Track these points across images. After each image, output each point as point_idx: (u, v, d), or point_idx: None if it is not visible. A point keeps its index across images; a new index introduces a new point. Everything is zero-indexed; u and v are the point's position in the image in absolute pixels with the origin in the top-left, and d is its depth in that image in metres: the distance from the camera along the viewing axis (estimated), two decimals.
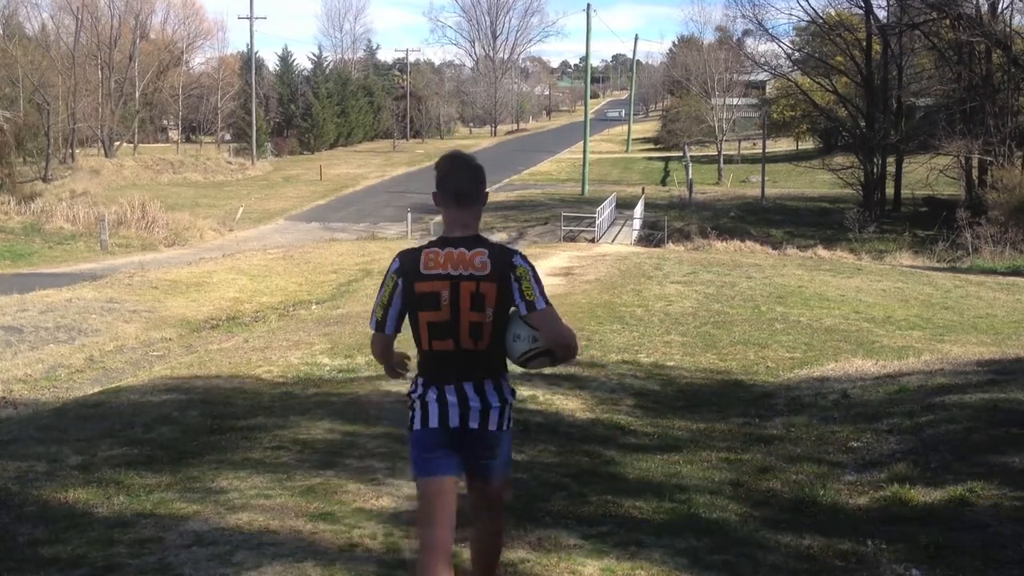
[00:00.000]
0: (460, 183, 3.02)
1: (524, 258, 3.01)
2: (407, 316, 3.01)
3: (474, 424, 2.96)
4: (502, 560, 3.52)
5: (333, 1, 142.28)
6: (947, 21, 33.76)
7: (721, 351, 8.93)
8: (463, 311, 2.91)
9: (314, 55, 75.10)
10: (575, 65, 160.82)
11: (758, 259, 20.27)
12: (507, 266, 2.94)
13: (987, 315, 12.39)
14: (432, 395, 2.96)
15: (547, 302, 2.96)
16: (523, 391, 6.57)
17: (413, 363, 3.14)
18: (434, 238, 3.04)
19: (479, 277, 2.92)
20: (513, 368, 3.09)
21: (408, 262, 2.98)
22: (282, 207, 39.54)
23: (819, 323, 10.81)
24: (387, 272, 3.03)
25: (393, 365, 3.17)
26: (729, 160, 51.55)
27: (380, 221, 35.37)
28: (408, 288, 2.96)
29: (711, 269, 16.09)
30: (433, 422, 2.94)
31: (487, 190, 3.09)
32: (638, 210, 33.73)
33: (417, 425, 2.98)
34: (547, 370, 7.56)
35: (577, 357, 8.14)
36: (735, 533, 4.14)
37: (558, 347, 2.99)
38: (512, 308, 3.00)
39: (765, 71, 49.44)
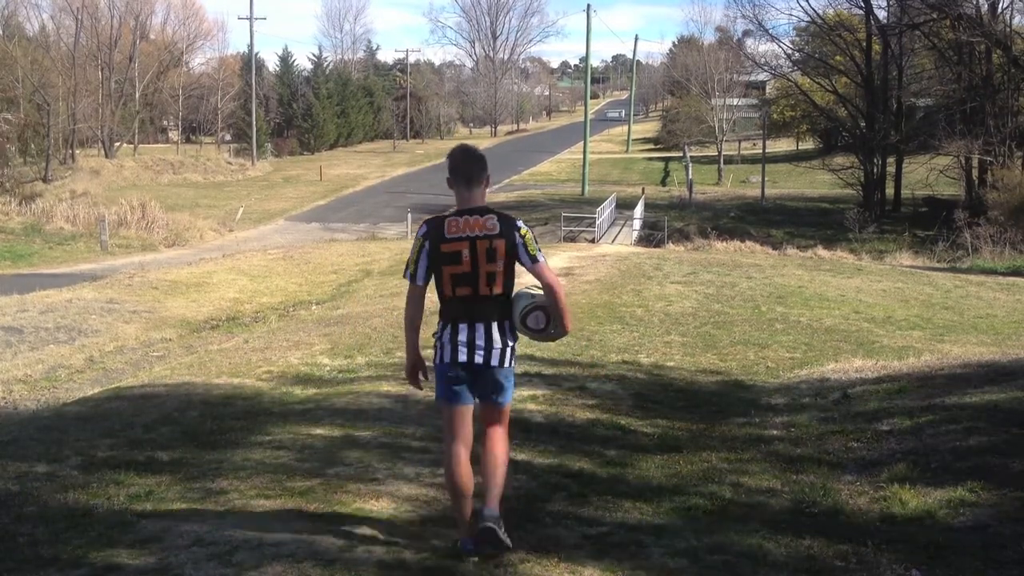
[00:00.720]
0: (468, 170, 3.83)
1: (524, 223, 3.86)
2: (431, 272, 3.77)
3: (479, 361, 3.73)
4: (502, 561, 3.66)
5: (333, 2, 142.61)
6: (947, 21, 33.76)
7: (721, 351, 8.93)
8: (481, 263, 3.71)
9: (314, 55, 75.22)
10: (575, 65, 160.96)
11: (758, 259, 20.27)
12: (513, 228, 3.77)
13: (987, 315, 12.39)
14: (447, 336, 3.76)
15: (544, 258, 3.82)
16: (524, 391, 6.58)
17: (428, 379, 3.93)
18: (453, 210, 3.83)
19: (491, 236, 3.72)
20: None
21: (433, 228, 3.77)
22: (282, 207, 39.56)
23: (819, 323, 10.81)
24: (416, 235, 3.80)
25: (417, 358, 3.86)
26: (729, 160, 51.57)
27: (380, 221, 35.39)
28: (434, 248, 3.73)
29: (711, 269, 16.09)
30: (447, 358, 3.75)
31: (488, 174, 3.89)
32: (638, 210, 33.74)
33: (438, 360, 3.79)
34: (548, 372, 7.58)
35: (578, 358, 8.15)
36: (735, 533, 4.14)
37: (549, 295, 3.80)
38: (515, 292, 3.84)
39: (765, 71, 49.47)
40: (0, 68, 40.81)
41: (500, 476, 3.75)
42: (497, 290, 3.75)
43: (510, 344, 3.79)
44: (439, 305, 3.82)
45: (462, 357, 3.72)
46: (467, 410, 3.81)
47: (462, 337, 3.73)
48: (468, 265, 3.70)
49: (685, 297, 12.67)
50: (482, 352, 3.72)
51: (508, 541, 3.64)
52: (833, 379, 7.34)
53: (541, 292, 3.84)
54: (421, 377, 3.90)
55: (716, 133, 51.35)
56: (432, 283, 3.80)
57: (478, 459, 3.83)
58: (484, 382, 3.78)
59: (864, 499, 4.57)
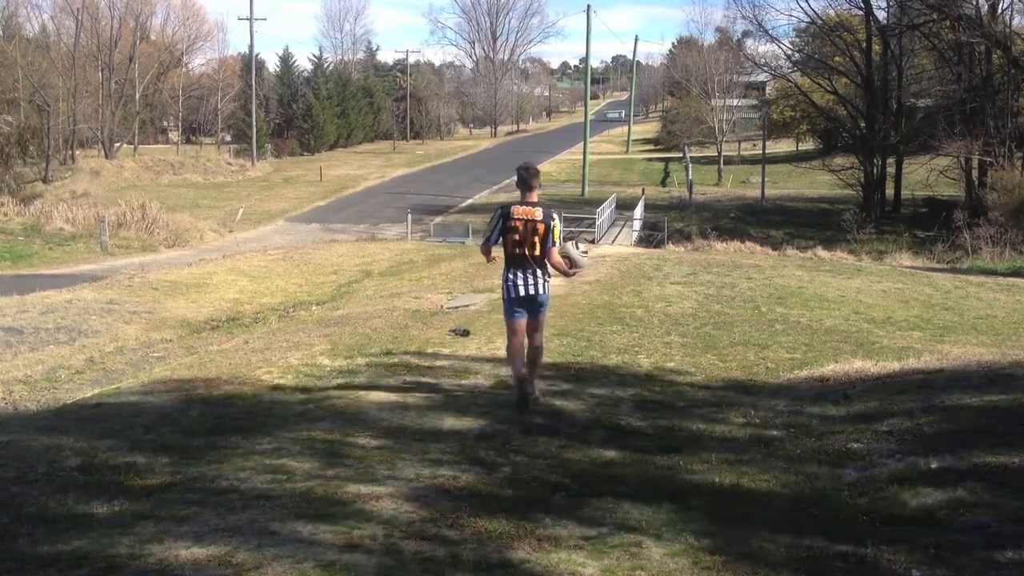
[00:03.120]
0: (527, 179, 6.54)
1: (558, 215, 6.51)
2: (501, 237, 6.43)
3: (531, 292, 6.44)
4: (504, 560, 3.72)
5: (333, 2, 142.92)
6: (947, 22, 33.76)
7: (721, 352, 8.93)
8: (528, 235, 6.36)
9: (314, 56, 75.20)
10: (575, 66, 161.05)
11: (758, 260, 20.26)
12: (550, 218, 6.44)
13: (987, 316, 12.39)
14: (508, 280, 6.47)
15: (560, 243, 6.50)
16: None
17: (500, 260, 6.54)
18: (515, 200, 6.57)
19: (536, 220, 6.38)
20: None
21: (506, 209, 6.45)
22: (282, 208, 39.55)
23: (819, 324, 10.81)
24: (494, 215, 6.55)
25: (488, 250, 6.58)
26: (729, 161, 51.56)
27: (380, 222, 35.35)
28: (505, 221, 6.41)
29: (711, 270, 16.09)
30: (510, 294, 6.49)
31: (540, 181, 6.60)
32: (638, 211, 33.74)
33: (504, 296, 6.58)
34: (548, 373, 7.58)
35: (578, 358, 8.15)
36: (735, 534, 4.14)
37: (552, 261, 6.51)
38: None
39: (765, 72, 49.42)
40: (0, 69, 40.78)
41: (538, 365, 6.63)
42: (537, 252, 6.39)
43: (547, 281, 6.48)
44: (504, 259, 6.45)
45: (519, 292, 6.43)
46: (522, 322, 6.51)
47: (519, 280, 6.41)
48: (520, 235, 6.34)
49: (685, 298, 12.67)
50: (532, 287, 6.41)
51: (540, 401, 6.52)
52: (833, 379, 7.34)
53: (576, 252, 6.78)
54: (493, 255, 6.52)
55: (716, 134, 51.33)
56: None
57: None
58: (532, 304, 6.46)
59: (864, 499, 4.57)
